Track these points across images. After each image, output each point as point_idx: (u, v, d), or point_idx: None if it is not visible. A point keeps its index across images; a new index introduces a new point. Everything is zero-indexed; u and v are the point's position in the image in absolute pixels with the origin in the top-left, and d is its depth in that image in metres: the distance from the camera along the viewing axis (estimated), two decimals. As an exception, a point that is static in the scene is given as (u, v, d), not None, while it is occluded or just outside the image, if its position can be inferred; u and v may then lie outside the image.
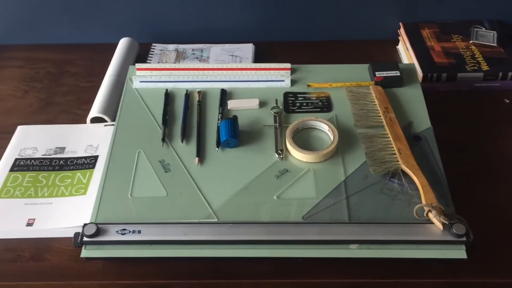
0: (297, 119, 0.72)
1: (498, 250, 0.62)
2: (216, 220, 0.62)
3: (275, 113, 0.74)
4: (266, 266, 0.60)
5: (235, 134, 0.70)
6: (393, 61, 0.90)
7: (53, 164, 0.73)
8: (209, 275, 0.60)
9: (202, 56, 0.93)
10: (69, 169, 0.72)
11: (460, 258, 0.58)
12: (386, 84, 0.78)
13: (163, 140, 0.71)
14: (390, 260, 0.59)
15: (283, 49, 0.96)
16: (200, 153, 0.70)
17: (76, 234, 0.60)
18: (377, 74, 0.79)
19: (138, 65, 0.81)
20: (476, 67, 0.85)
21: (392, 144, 0.69)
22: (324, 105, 0.76)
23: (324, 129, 0.72)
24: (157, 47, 0.96)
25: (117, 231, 0.60)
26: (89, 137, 0.77)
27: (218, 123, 0.73)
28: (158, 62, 0.92)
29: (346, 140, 0.71)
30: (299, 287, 0.60)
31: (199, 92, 0.78)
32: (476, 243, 0.59)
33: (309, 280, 0.60)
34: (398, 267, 0.60)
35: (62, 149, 0.75)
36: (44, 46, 0.98)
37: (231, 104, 0.76)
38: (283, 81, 0.79)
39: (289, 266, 0.60)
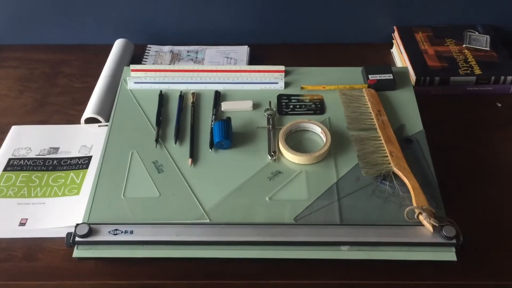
0: (290, 121, 0.73)
1: (488, 252, 0.62)
2: (209, 221, 0.62)
3: (268, 115, 0.75)
4: (257, 267, 0.60)
5: (228, 135, 0.70)
6: (387, 64, 0.90)
7: (46, 164, 0.73)
8: (201, 276, 0.60)
9: (197, 57, 0.94)
10: (63, 169, 0.72)
11: (450, 260, 0.59)
12: (379, 87, 0.79)
13: (156, 141, 0.72)
14: (380, 262, 0.60)
15: (278, 52, 0.96)
16: (193, 154, 0.70)
17: (68, 234, 0.60)
18: (370, 77, 0.79)
19: (132, 66, 0.81)
20: (468, 71, 0.86)
21: (384, 146, 0.69)
22: (317, 108, 0.77)
23: (317, 131, 0.72)
24: (152, 49, 0.96)
25: (109, 232, 0.60)
26: (83, 138, 0.77)
27: (211, 125, 0.74)
28: (153, 64, 0.92)
29: (338, 142, 0.71)
30: (290, 288, 0.61)
31: (193, 94, 0.79)
32: (467, 245, 0.59)
33: (300, 281, 0.60)
34: (388, 269, 0.60)
35: (56, 149, 0.75)
36: (39, 47, 0.98)
37: (225, 105, 0.76)
38: (277, 83, 0.80)
39: (280, 268, 0.61)
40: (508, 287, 0.60)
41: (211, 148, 0.71)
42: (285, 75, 0.81)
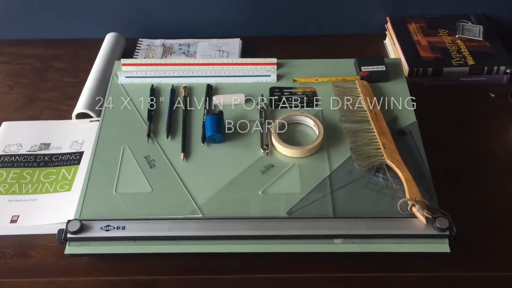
0: (283, 114, 0.72)
1: (481, 244, 0.62)
2: (201, 215, 0.62)
3: (261, 108, 0.74)
4: (251, 262, 0.60)
5: (220, 129, 0.70)
6: (380, 55, 0.90)
7: (37, 160, 0.72)
8: (194, 271, 0.60)
9: (189, 51, 0.93)
10: (54, 165, 0.71)
11: (444, 252, 0.59)
12: (371, 78, 0.78)
13: (148, 135, 0.71)
14: (374, 254, 0.59)
15: (270, 44, 0.95)
16: (186, 149, 0.70)
17: (60, 230, 0.60)
18: (363, 68, 0.79)
19: (123, 61, 0.81)
20: (462, 62, 0.85)
21: (377, 138, 0.69)
22: (310, 100, 0.76)
23: (310, 124, 0.72)
24: (143, 42, 0.95)
25: (101, 228, 0.60)
26: (74, 133, 0.76)
27: (203, 119, 0.73)
28: (145, 57, 0.91)
29: (331, 135, 0.71)
30: (283, 282, 0.60)
31: (184, 88, 0.78)
32: (460, 237, 0.59)
33: (294, 275, 0.60)
34: (382, 262, 0.60)
35: (47, 145, 0.75)
36: (29, 42, 0.97)
37: (217, 99, 0.76)
38: (269, 76, 0.79)
39: (273, 261, 0.60)
40: (501, 278, 0.60)
41: (203, 142, 0.70)
42: (277, 68, 0.80)
